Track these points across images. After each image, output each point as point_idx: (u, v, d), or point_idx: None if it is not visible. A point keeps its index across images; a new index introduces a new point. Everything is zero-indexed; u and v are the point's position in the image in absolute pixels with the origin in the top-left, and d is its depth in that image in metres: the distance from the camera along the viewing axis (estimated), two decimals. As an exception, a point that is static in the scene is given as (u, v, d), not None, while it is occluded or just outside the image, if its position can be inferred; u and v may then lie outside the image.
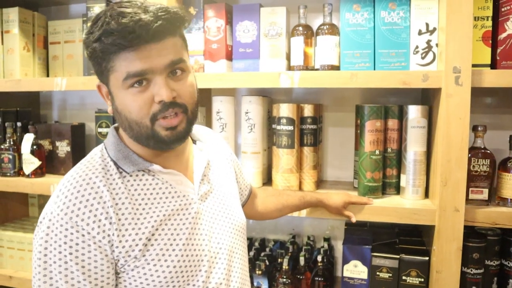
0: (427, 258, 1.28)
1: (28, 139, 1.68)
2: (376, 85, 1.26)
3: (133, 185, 0.83)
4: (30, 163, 1.68)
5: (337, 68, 1.37)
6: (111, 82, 0.80)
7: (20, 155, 1.70)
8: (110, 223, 0.78)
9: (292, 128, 1.40)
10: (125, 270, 0.80)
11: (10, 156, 1.70)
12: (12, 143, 1.71)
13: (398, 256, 1.30)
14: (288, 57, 1.44)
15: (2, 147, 1.71)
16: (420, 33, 1.28)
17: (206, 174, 0.96)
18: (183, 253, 0.83)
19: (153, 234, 0.81)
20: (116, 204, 0.80)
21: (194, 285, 0.86)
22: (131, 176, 0.84)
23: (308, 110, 1.45)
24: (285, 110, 1.40)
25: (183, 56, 0.82)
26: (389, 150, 1.40)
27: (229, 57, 1.47)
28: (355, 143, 1.52)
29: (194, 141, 1.02)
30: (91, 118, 1.87)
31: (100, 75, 0.82)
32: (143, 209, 0.82)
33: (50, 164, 1.75)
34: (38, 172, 1.70)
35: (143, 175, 0.85)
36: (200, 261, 0.87)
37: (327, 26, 1.37)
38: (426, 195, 1.35)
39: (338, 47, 1.37)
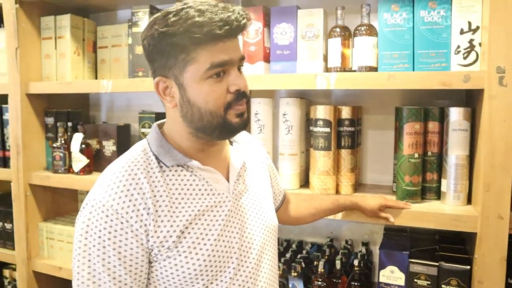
0: (468, 267, 1.22)
1: (77, 138, 1.78)
2: (414, 86, 1.22)
3: (171, 179, 0.88)
4: (79, 161, 1.78)
5: (375, 69, 1.35)
6: (186, 74, 0.83)
7: (70, 153, 1.81)
8: (148, 214, 0.83)
9: (329, 130, 1.39)
10: (157, 260, 0.84)
11: (61, 154, 1.81)
12: (63, 142, 1.82)
13: (437, 264, 1.26)
14: (326, 59, 1.43)
15: (54, 145, 1.82)
16: (462, 32, 1.23)
17: (242, 174, 0.99)
18: (213, 248, 0.86)
19: (186, 227, 0.85)
20: (155, 196, 0.84)
21: (222, 280, 0.88)
22: (170, 170, 0.88)
23: (346, 112, 1.44)
24: (321, 112, 1.40)
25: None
26: (429, 153, 1.35)
27: (267, 59, 1.49)
28: (394, 146, 1.49)
29: (231, 143, 1.04)
30: (136, 119, 1.95)
31: (166, 69, 0.84)
32: (179, 203, 0.86)
33: (97, 162, 1.84)
34: (86, 170, 1.79)
35: (181, 170, 0.89)
36: (229, 258, 0.89)
37: (365, 27, 1.35)
38: (469, 201, 1.29)
39: (376, 48, 1.35)
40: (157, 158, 0.89)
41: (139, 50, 1.65)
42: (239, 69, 0.88)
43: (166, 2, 1.79)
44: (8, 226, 1.98)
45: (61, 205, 2.02)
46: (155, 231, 0.83)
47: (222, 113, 0.85)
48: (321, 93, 1.69)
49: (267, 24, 1.48)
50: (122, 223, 0.81)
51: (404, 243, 1.39)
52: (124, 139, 1.85)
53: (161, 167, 0.88)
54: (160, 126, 0.96)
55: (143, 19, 1.64)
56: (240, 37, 1.45)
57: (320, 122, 1.40)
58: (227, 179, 0.95)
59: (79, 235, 0.83)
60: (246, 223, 0.94)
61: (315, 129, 1.41)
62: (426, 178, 1.36)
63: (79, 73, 1.85)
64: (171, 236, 0.83)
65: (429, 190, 1.37)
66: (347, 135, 1.44)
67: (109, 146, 1.82)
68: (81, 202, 2.11)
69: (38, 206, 1.91)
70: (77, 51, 1.84)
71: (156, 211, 0.83)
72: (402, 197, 1.32)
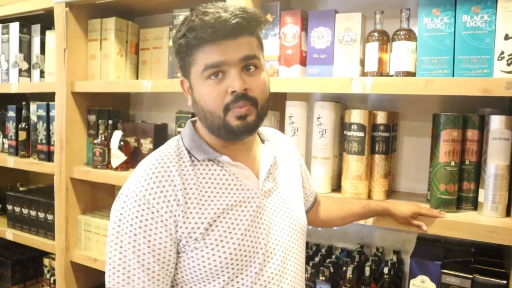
0: (504, 282, 1.18)
1: (117, 135, 1.85)
2: (452, 92, 1.20)
3: (202, 173, 0.91)
4: (117, 157, 1.84)
5: (413, 74, 1.33)
6: (192, 75, 0.89)
7: (109, 150, 1.88)
8: (178, 205, 0.86)
9: (363, 135, 1.38)
10: (185, 251, 0.88)
11: (101, 150, 1.88)
12: (103, 138, 1.89)
13: (471, 276, 1.22)
14: (362, 63, 1.42)
15: (95, 142, 1.90)
16: (507, 37, 1.19)
17: (272, 172, 1.00)
18: (240, 242, 0.88)
19: (214, 221, 0.87)
20: (185, 188, 0.88)
21: (247, 275, 0.89)
22: (201, 164, 0.92)
23: (381, 117, 1.42)
24: (356, 116, 1.39)
25: (257, 54, 0.89)
26: (466, 162, 1.32)
27: (303, 62, 1.49)
28: (430, 154, 1.46)
29: (263, 141, 1.05)
30: (173, 118, 2.00)
31: (183, 69, 0.92)
32: (209, 196, 0.89)
33: (135, 159, 1.90)
34: (124, 166, 1.86)
35: (212, 165, 0.92)
36: (255, 253, 0.90)
37: (404, 32, 1.34)
38: (508, 213, 1.25)
39: (415, 53, 1.33)
40: (189, 152, 0.92)
41: (179, 51, 1.70)
42: (247, 69, 0.87)
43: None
44: (49, 217, 2.08)
45: (98, 199, 2.10)
46: (184, 222, 0.86)
47: (221, 115, 0.87)
48: (356, 98, 1.68)
49: (304, 27, 1.49)
50: (152, 212, 0.85)
51: (437, 253, 1.35)
52: (161, 138, 1.90)
53: (192, 161, 0.91)
54: (194, 123, 1.00)
55: (184, 22, 1.69)
56: (276, 39, 1.49)
57: (354, 126, 1.39)
58: (257, 176, 0.97)
59: (113, 223, 0.88)
60: (273, 220, 0.95)
61: (349, 133, 1.41)
62: (462, 187, 1.32)
63: (121, 73, 1.93)
64: (198, 228, 0.86)
65: (465, 200, 1.33)
66: (382, 141, 1.43)
67: (146, 144, 1.88)
68: (118, 198, 2.18)
69: (78, 199, 1.99)
70: (120, 52, 1.92)
71: (186, 202, 0.86)
72: (436, 205, 1.29)
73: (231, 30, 0.83)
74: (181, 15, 1.70)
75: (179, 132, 1.72)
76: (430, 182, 1.37)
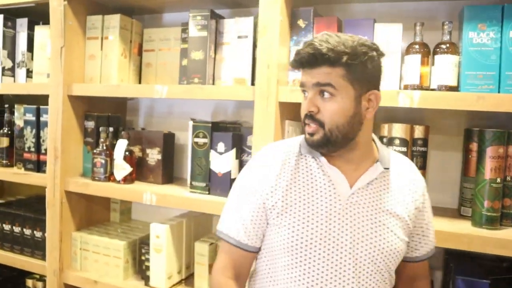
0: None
1: (122, 145, 1.69)
2: (504, 109, 1.17)
3: (302, 164, 1.06)
4: (122, 169, 1.69)
5: (455, 89, 1.30)
6: None
7: (112, 160, 1.72)
8: (270, 185, 1.05)
9: (405, 150, 1.34)
10: (269, 223, 1.05)
11: (103, 161, 1.72)
12: (104, 148, 1.73)
13: (521, 295, 1.20)
14: (400, 76, 1.38)
15: (95, 151, 1.73)
16: (556, 55, 1.19)
17: (370, 191, 1.03)
18: (304, 241, 0.99)
19: (291, 206, 1.02)
20: (280, 174, 1.05)
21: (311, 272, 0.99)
22: (305, 158, 1.07)
23: (419, 132, 1.38)
24: (398, 130, 1.34)
25: (333, 83, 0.95)
26: (508, 178, 1.31)
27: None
28: (464, 169, 1.43)
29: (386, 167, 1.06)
30: (179, 126, 1.88)
31: None
32: (296, 183, 1.04)
33: (139, 171, 1.75)
34: (128, 179, 1.70)
35: (313, 161, 1.05)
36: (318, 260, 0.99)
37: (447, 45, 1.30)
38: (552, 230, 1.25)
39: (458, 67, 1.30)
40: (300, 146, 1.08)
41: (197, 55, 1.58)
42: (322, 94, 0.97)
43: (221, 8, 1.73)
44: (37, 234, 1.87)
45: (94, 213, 1.92)
46: (271, 197, 1.04)
47: (303, 125, 1.02)
48: (381, 109, 1.63)
49: (340, 36, 1.42)
50: (255, 181, 1.07)
51: (479, 270, 1.33)
52: (169, 148, 1.77)
53: (300, 154, 1.07)
54: None
55: (203, 24, 1.57)
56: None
57: (397, 141, 1.34)
58: (351, 187, 1.02)
59: (238, 175, 1.15)
60: (349, 237, 0.99)
61: (390, 148, 1.35)
62: (504, 204, 1.31)
63: (124, 76, 1.77)
64: (278, 206, 1.02)
65: (505, 216, 1.31)
66: (420, 155, 1.39)
67: (154, 155, 1.73)
68: (113, 211, 2.01)
69: (72, 214, 1.81)
70: (124, 53, 1.76)
71: (276, 184, 1.04)
72: (479, 222, 1.27)
73: (307, 61, 0.96)
74: (198, 16, 1.58)
75: (196, 143, 1.60)
76: (469, 198, 1.35)
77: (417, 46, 1.34)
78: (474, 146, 1.38)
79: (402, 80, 1.37)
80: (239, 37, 1.58)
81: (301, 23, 1.45)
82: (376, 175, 1.03)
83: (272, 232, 1.03)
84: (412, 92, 1.25)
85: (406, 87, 1.35)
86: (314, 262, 0.99)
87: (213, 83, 1.61)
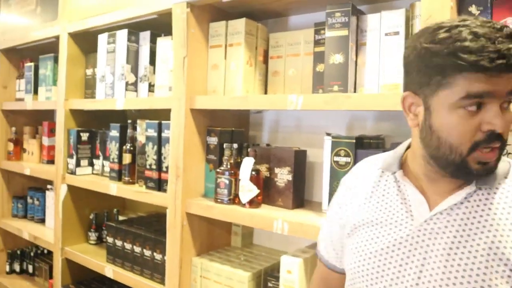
0: None
1: (248, 163, 1.50)
2: None
3: (383, 182, 0.92)
4: (249, 190, 1.49)
5: None
6: (437, 97, 0.75)
7: (236, 180, 1.53)
8: (345, 203, 0.96)
9: None
10: (343, 243, 0.95)
11: (227, 181, 1.54)
12: (229, 166, 1.55)
13: None
14: None
15: (219, 170, 1.56)
16: None
17: (456, 218, 0.79)
18: (368, 262, 0.85)
19: (356, 227, 0.91)
20: (357, 191, 0.95)
21: None
22: (387, 175, 0.91)
23: None
24: None
25: None
26: None
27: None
28: None
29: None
30: (308, 142, 1.65)
31: (421, 86, 0.78)
32: (370, 202, 0.91)
33: (266, 193, 1.54)
34: (255, 201, 1.50)
35: (393, 180, 0.90)
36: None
37: None
38: None
39: None
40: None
41: (335, 58, 1.33)
42: (504, 106, 0.73)
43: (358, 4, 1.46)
44: (157, 256, 1.76)
45: (215, 238, 1.76)
46: (343, 213, 0.96)
47: (463, 152, 0.74)
48: None
49: (537, 22, 1.07)
50: (340, 197, 0.99)
51: None
52: (301, 167, 1.53)
53: (382, 171, 0.93)
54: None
55: (343, 21, 1.32)
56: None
57: None
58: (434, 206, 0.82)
59: None
60: (413, 266, 0.80)
61: None
62: None
63: (250, 86, 1.59)
64: (349, 227, 0.93)
65: None
66: None
67: (283, 175, 1.51)
68: (235, 234, 1.83)
69: (194, 238, 1.66)
70: (250, 61, 1.58)
71: (348, 200, 0.96)
72: None
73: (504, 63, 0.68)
74: (337, 12, 1.33)
75: (336, 162, 1.34)
76: None
77: None
78: None
79: None
80: (386, 34, 1.29)
81: (473, 9, 1.12)
82: (465, 194, 0.79)
83: (343, 253, 0.96)
84: None
85: None
86: None
87: (355, 91, 1.35)
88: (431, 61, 0.74)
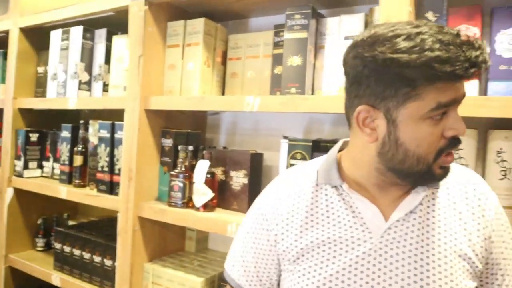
0: None
1: (203, 166, 1.46)
2: None
3: (321, 197, 0.85)
4: (203, 194, 1.45)
5: None
6: (404, 109, 0.71)
7: (191, 183, 1.49)
8: (281, 226, 0.86)
9: None
10: (284, 269, 0.86)
11: (181, 184, 1.50)
12: (183, 169, 1.51)
13: None
14: None
15: (173, 173, 1.51)
16: None
17: (414, 223, 0.78)
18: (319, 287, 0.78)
19: (308, 250, 0.82)
20: (292, 211, 0.86)
21: None
22: (324, 189, 0.86)
23: None
24: None
25: None
26: None
27: (484, 76, 1.10)
28: None
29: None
30: (266, 145, 1.63)
31: (382, 99, 0.72)
32: (312, 220, 0.84)
33: (221, 196, 1.51)
34: (209, 205, 1.46)
35: (333, 192, 0.84)
36: None
37: None
38: None
39: None
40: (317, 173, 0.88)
41: (293, 61, 1.32)
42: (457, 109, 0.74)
43: (319, 8, 1.47)
44: (107, 262, 1.69)
45: (168, 243, 1.70)
46: (282, 239, 0.86)
47: (430, 161, 0.74)
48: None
49: (485, 30, 1.10)
50: (262, 223, 0.90)
51: None
52: (257, 170, 1.51)
53: (317, 184, 0.87)
54: (344, 146, 0.90)
55: (302, 23, 1.31)
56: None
57: None
58: (388, 216, 0.80)
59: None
60: (381, 281, 0.75)
61: None
62: None
63: (207, 87, 1.55)
64: (292, 250, 0.83)
65: None
66: None
67: (239, 178, 1.48)
68: (189, 239, 1.78)
69: (145, 243, 1.60)
70: (208, 62, 1.55)
71: (287, 224, 0.86)
72: None
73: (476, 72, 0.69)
74: (296, 14, 1.33)
75: (292, 165, 1.32)
76: None
77: None
78: None
79: None
80: (345, 38, 1.30)
81: (430, 16, 1.15)
82: (420, 200, 0.79)
83: (286, 281, 0.85)
84: None
85: None
86: None
87: (312, 93, 1.34)
88: (399, 73, 0.69)
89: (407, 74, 0.68)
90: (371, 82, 0.73)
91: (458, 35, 0.69)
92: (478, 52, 0.68)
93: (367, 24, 1.27)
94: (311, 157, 1.28)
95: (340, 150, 0.89)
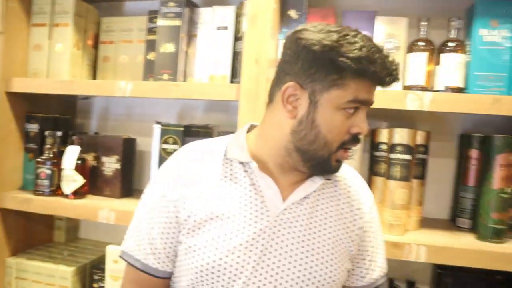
0: None
1: (73, 152, 1.42)
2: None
3: (227, 172, 0.87)
4: (73, 180, 1.41)
5: (462, 90, 1.19)
6: (328, 94, 0.79)
7: (59, 170, 1.43)
8: (183, 195, 0.87)
9: (410, 158, 1.20)
10: (182, 241, 0.86)
11: (48, 171, 1.43)
12: (51, 155, 1.44)
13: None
14: (403, 75, 1.25)
15: (39, 160, 1.44)
16: None
17: (305, 207, 0.87)
18: (220, 261, 0.82)
19: (205, 220, 0.84)
20: (195, 183, 0.87)
21: None
22: (231, 165, 0.88)
23: (421, 138, 1.26)
24: (403, 136, 1.19)
25: None
26: (514, 188, 1.21)
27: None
28: (461, 177, 1.33)
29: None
30: (139, 131, 1.64)
31: (311, 80, 0.79)
32: (215, 198, 0.85)
33: (93, 183, 1.48)
34: (80, 192, 1.43)
35: (240, 168, 0.87)
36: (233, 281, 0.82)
37: (456, 43, 1.20)
38: None
39: (465, 67, 1.19)
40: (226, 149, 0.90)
41: (166, 47, 1.35)
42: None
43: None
44: (-40, 260, 1.53)
45: (34, 234, 1.61)
46: (184, 209, 0.86)
47: (332, 150, 0.82)
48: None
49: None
50: (173, 181, 0.89)
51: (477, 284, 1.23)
52: (130, 156, 1.51)
53: (226, 158, 0.89)
54: (251, 128, 0.94)
55: (176, 11, 1.35)
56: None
57: (400, 148, 1.20)
58: (284, 199, 0.87)
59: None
60: (274, 258, 0.83)
61: (392, 155, 1.21)
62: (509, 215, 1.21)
63: (77, 71, 1.50)
64: (192, 218, 0.84)
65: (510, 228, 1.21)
66: (420, 164, 1.27)
67: (111, 164, 1.47)
68: (58, 229, 1.70)
69: (8, 236, 1.49)
70: (78, 44, 1.49)
71: (197, 185, 0.87)
72: (486, 235, 1.16)
73: (390, 82, 0.80)
74: (170, 2, 1.36)
75: (164, 150, 1.36)
76: (474, 210, 1.25)
77: (422, 43, 1.22)
78: (474, 153, 1.27)
79: (403, 80, 1.24)
80: (218, 28, 1.38)
81: (293, 13, 1.28)
82: (315, 188, 0.88)
83: (181, 253, 0.86)
84: (423, 94, 1.12)
85: (408, 88, 1.22)
86: None
87: (184, 80, 1.40)
88: (334, 60, 0.75)
89: (340, 62, 0.75)
90: (306, 63, 0.78)
91: (379, 50, 0.78)
92: (394, 67, 0.79)
93: (238, 16, 1.36)
94: (183, 142, 1.34)
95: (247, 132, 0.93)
